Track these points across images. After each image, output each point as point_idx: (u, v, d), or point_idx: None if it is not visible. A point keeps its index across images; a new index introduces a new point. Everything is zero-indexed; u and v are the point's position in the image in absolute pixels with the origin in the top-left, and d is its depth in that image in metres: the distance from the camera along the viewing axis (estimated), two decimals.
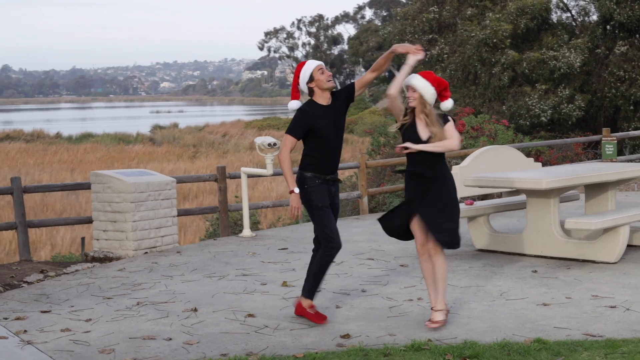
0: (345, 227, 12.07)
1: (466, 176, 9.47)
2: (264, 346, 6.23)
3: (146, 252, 10.44)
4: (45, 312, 7.50)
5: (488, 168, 10.59)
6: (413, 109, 6.69)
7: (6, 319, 7.28)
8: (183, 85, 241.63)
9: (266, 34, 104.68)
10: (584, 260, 8.93)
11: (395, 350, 5.85)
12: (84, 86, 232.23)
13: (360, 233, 11.46)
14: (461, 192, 10.64)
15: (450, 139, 6.64)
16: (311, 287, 6.87)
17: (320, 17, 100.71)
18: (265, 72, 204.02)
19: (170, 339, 6.49)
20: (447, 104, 6.83)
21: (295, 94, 6.77)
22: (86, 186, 11.07)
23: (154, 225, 10.63)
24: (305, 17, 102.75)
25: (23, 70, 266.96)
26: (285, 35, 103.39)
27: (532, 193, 9.14)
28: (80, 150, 46.41)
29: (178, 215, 11.40)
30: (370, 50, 79.68)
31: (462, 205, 9.63)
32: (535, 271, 8.55)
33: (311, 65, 6.71)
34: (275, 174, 11.73)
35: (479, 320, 6.74)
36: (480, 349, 5.81)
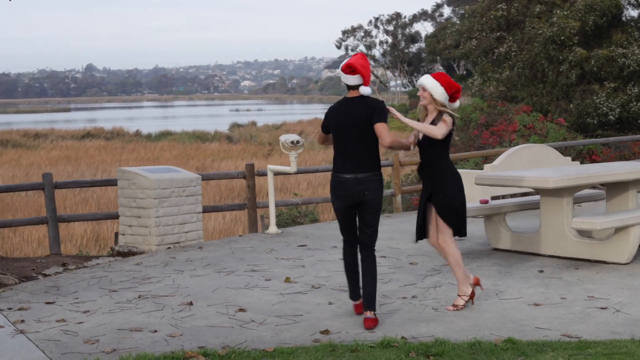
0: None
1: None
2: (242, 340, 6.32)
3: (169, 247, 10.64)
4: (49, 303, 7.74)
5: (520, 167, 10.52)
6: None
7: (10, 309, 7.54)
8: (263, 83, 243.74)
9: (344, 32, 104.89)
10: (595, 261, 8.79)
11: (363, 347, 5.88)
12: (165, 85, 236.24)
13: (383, 231, 11.43)
14: (490, 191, 10.61)
15: (435, 127, 6.78)
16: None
17: (397, 15, 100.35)
18: None
19: (156, 331, 6.63)
20: (454, 105, 7.03)
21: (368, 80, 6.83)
22: (114, 182, 11.32)
23: (177, 221, 10.82)
24: (383, 15, 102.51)
25: (107, 70, 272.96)
26: (362, 34, 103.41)
27: (545, 192, 9.03)
28: (158, 148, 47.16)
29: (205, 212, 11.56)
30: (447, 49, 79.11)
31: (476, 204, 9.57)
32: (542, 271, 8.45)
33: None
34: (298, 172, 11.80)
35: (463, 319, 6.71)
36: (448, 347, 5.80)
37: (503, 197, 12.50)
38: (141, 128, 68.93)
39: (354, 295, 6.96)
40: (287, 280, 8.43)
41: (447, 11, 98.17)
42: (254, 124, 73.89)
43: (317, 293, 7.81)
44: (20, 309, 7.51)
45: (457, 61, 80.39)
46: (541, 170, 9.22)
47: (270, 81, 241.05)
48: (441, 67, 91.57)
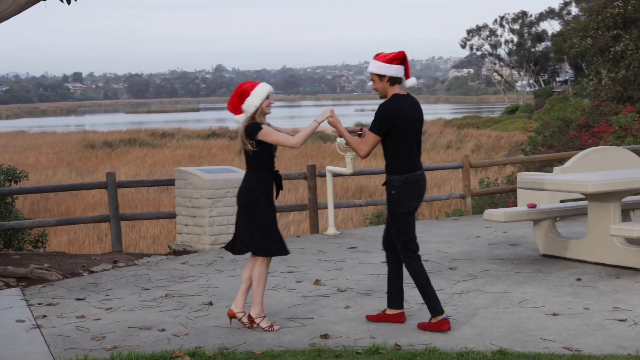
0: (433, 228, 11.92)
1: None
2: (241, 341, 6.33)
3: (222, 247, 10.74)
4: (79, 299, 7.95)
5: (593, 169, 10.17)
6: None
7: (40, 304, 7.79)
8: None
9: (468, 31, 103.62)
10: None
11: (348, 352, 5.79)
12: (292, 85, 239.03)
13: (440, 234, 11.26)
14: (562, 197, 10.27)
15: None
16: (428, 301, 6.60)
17: (524, 14, 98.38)
18: (472, 70, 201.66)
19: (163, 330, 6.72)
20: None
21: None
22: (174, 182, 11.52)
23: (232, 221, 10.88)
24: (509, 14, 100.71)
25: (236, 70, 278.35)
26: (487, 33, 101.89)
27: (592, 197, 8.68)
28: (279, 148, 47.62)
29: None
30: (574, 47, 76.86)
31: (524, 209, 9.30)
32: (579, 279, 8.12)
33: None
34: (355, 174, 11.73)
35: (471, 328, 6.51)
36: (435, 356, 5.65)
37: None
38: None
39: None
40: (317, 282, 8.39)
41: (574, 9, 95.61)
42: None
43: (340, 296, 7.74)
44: (49, 304, 7.74)
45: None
46: (586, 174, 8.86)
47: None
48: (568, 68, 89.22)
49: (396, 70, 6.44)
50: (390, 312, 6.81)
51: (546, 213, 9.26)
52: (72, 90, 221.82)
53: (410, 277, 6.63)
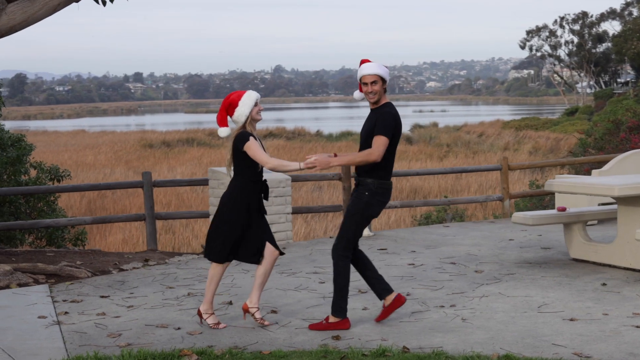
0: (468, 230, 11.83)
1: None
2: (254, 341, 6.36)
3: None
4: (103, 297, 8.07)
5: (632, 172, 10.01)
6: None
7: (65, 300, 7.92)
8: (449, 84, 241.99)
9: (528, 32, 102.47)
10: None
11: (355, 354, 5.78)
12: (351, 86, 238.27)
13: (473, 237, 11.17)
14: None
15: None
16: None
17: (584, 15, 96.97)
18: (532, 72, 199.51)
19: (179, 329, 6.79)
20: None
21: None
22: (207, 182, 11.61)
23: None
24: (569, 14, 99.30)
25: (295, 71, 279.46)
26: (547, 34, 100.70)
27: (622, 201, 8.53)
28: (335, 147, 47.67)
29: (300, 213, 11.64)
30: (631, 49, 75.64)
31: (553, 212, 9.18)
32: (604, 284, 7.98)
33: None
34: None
35: (484, 332, 6.45)
36: (442, 359, 5.60)
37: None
38: (324, 128, 70.04)
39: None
40: None
41: (636, 10, 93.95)
42: (435, 125, 73.44)
43: (359, 298, 7.73)
44: (73, 301, 7.87)
45: None
46: (615, 177, 8.71)
47: (456, 82, 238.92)
48: (630, 69, 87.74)
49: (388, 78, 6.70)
50: (388, 300, 6.79)
51: (576, 216, 9.12)
52: (132, 90, 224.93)
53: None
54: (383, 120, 6.47)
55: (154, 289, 8.37)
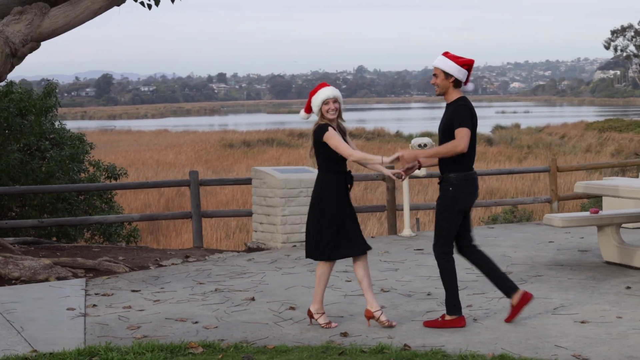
0: (512, 232, 11.78)
1: None
2: (264, 336, 6.52)
3: (294, 245, 11.00)
4: (134, 291, 8.35)
5: None
6: None
7: (97, 294, 8.23)
8: (533, 85, 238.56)
9: (612, 32, 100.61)
10: None
11: (353, 351, 5.89)
12: (434, 86, 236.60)
13: (515, 238, 11.14)
14: None
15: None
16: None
17: None
18: (618, 72, 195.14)
19: (197, 322, 7.00)
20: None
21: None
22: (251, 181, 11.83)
23: (304, 221, 11.10)
24: None
25: (377, 71, 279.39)
26: (632, 34, 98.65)
27: None
28: (407, 147, 47.53)
29: None
30: None
31: (584, 214, 9.12)
32: (629, 287, 7.91)
33: None
34: (427, 176, 11.73)
35: (490, 332, 6.49)
36: (438, 357, 5.68)
37: None
38: (405, 129, 69.88)
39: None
40: None
41: None
42: (517, 126, 72.55)
43: (380, 296, 7.82)
44: (104, 295, 8.17)
45: None
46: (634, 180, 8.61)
47: (540, 82, 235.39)
48: None
49: (463, 74, 6.64)
50: (515, 299, 6.72)
51: (609, 219, 9.04)
52: (216, 91, 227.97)
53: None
54: (459, 114, 6.55)
55: (185, 285, 8.61)
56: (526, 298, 6.72)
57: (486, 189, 27.64)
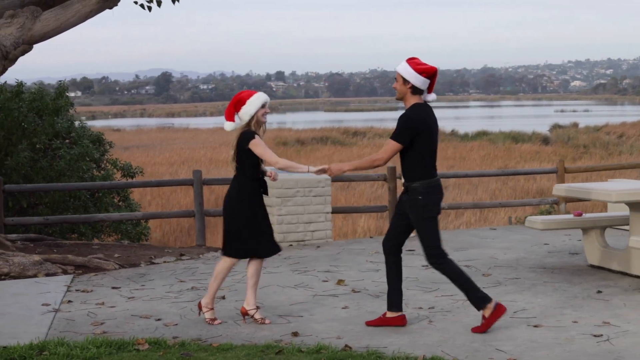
0: (512, 234, 11.73)
1: None
2: (218, 334, 6.65)
3: (291, 245, 11.12)
4: (115, 288, 8.55)
5: None
6: None
7: (77, 290, 8.45)
8: (594, 83, 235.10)
9: None
10: None
11: (291, 350, 5.98)
12: (492, 84, 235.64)
13: (512, 240, 11.09)
14: None
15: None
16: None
17: None
18: None
19: (159, 320, 7.15)
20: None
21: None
22: None
23: (303, 220, 11.26)
24: None
25: None
26: None
27: (633, 207, 8.35)
28: (467, 147, 47.13)
29: (341, 213, 11.84)
30: None
31: (566, 217, 9.07)
32: (600, 292, 7.86)
33: None
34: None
35: (442, 334, 6.53)
36: (372, 359, 5.74)
37: None
38: (462, 128, 69.32)
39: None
40: (340, 282, 8.57)
41: None
42: (575, 125, 71.58)
43: (348, 297, 7.90)
44: (83, 291, 8.38)
45: None
46: (619, 182, 8.53)
47: (602, 81, 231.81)
48: None
49: (421, 82, 6.58)
50: (389, 315, 6.91)
51: (592, 222, 8.97)
52: (274, 89, 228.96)
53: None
54: (398, 124, 6.61)
55: (165, 282, 8.78)
56: (400, 321, 6.75)
57: (536, 189, 27.37)
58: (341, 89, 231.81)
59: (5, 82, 13.56)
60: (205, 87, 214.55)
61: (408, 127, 6.56)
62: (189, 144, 53.04)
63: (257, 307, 7.08)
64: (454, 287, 8.06)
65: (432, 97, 6.74)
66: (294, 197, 11.21)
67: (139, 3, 10.96)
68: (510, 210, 18.28)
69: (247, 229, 6.92)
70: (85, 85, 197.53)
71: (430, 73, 6.62)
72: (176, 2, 11.08)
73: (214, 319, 7.01)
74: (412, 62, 6.69)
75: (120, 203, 14.86)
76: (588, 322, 6.77)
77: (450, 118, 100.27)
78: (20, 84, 13.71)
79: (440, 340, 6.36)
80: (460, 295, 7.81)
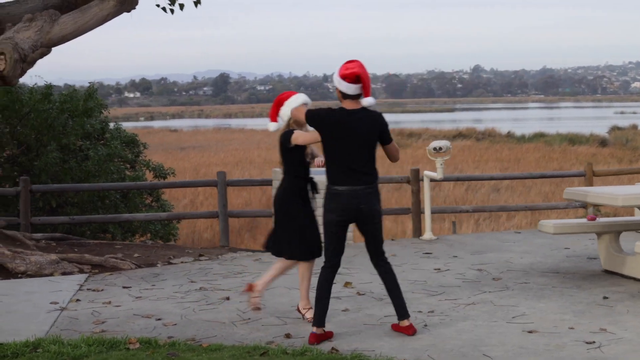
0: (535, 238, 11.61)
1: None
2: (212, 335, 6.72)
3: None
4: (125, 287, 8.68)
5: None
6: None
7: (89, 289, 8.61)
8: None
9: None
10: None
11: (276, 352, 6.01)
12: (551, 86, 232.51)
13: (533, 244, 10.97)
14: None
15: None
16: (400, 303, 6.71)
17: None
18: None
19: (159, 320, 7.25)
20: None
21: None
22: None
23: (321, 222, 11.24)
24: None
25: (494, 70, 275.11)
26: None
27: None
28: (522, 149, 46.56)
29: None
30: None
31: (578, 221, 8.96)
32: (606, 297, 7.74)
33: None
34: (445, 179, 11.68)
35: (432, 338, 6.49)
36: None
37: None
38: (520, 129, 68.58)
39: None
40: (347, 284, 8.58)
41: None
42: (634, 127, 70.40)
43: (351, 300, 7.91)
44: (94, 290, 8.53)
45: None
46: (626, 187, 8.39)
47: None
48: None
49: (345, 87, 6.39)
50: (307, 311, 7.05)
51: (606, 226, 8.83)
52: (331, 90, 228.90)
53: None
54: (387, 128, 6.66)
55: (176, 283, 8.88)
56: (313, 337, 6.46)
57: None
58: (398, 90, 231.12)
59: (35, 84, 13.86)
60: (262, 88, 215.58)
61: (315, 125, 6.51)
62: (244, 144, 53.34)
63: (309, 307, 7.07)
64: (459, 291, 8.07)
65: (366, 101, 6.45)
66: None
67: (161, 6, 11.10)
68: (562, 213, 18.04)
69: (297, 229, 6.90)
70: (144, 86, 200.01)
71: (351, 78, 6.37)
72: (198, 4, 11.19)
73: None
74: (343, 66, 6.50)
75: (153, 203, 15.05)
76: (585, 328, 6.68)
77: (508, 119, 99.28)
78: (49, 86, 13.99)
79: (430, 344, 6.33)
80: (463, 300, 7.78)
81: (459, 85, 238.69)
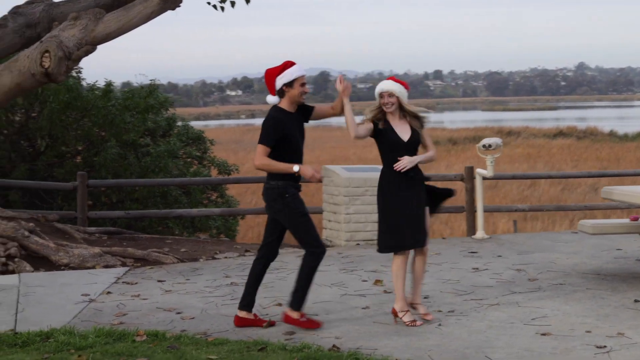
0: (589, 239, 11.28)
1: None
2: (224, 329, 6.77)
3: (358, 244, 11.11)
4: (160, 281, 8.82)
5: None
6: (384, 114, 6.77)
7: (125, 282, 8.77)
8: None
9: None
10: None
11: (274, 347, 6.01)
12: None
13: (585, 245, 10.61)
14: None
15: (433, 150, 6.98)
16: (301, 298, 6.86)
17: None
18: None
19: (180, 313, 7.34)
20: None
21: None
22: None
23: (370, 219, 11.20)
24: None
25: (599, 68, 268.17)
26: None
27: None
28: (624, 149, 45.30)
29: None
30: None
31: (619, 221, 8.67)
32: (637, 301, 7.46)
33: (297, 71, 6.83)
34: (495, 177, 11.46)
35: (440, 338, 6.37)
36: (342, 358, 5.71)
37: None
38: (623, 128, 66.93)
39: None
40: (377, 282, 8.51)
41: None
42: None
43: (375, 298, 7.83)
44: (129, 283, 8.68)
45: None
46: None
47: None
48: None
49: (272, 86, 6.80)
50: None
51: None
52: (432, 88, 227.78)
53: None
54: (261, 127, 6.71)
55: (210, 277, 8.96)
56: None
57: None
58: (500, 87, 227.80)
59: (97, 81, 14.22)
60: (362, 86, 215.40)
61: (271, 130, 6.66)
62: (341, 142, 53.38)
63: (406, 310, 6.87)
64: (489, 292, 7.92)
65: (268, 99, 6.85)
66: (362, 195, 11.18)
67: (212, 4, 11.22)
68: (622, 213, 17.51)
69: (390, 220, 6.89)
70: (246, 84, 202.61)
71: (266, 75, 6.81)
72: (249, 2, 11.27)
73: (413, 321, 6.74)
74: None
75: (218, 199, 15.25)
76: (602, 332, 6.45)
77: (613, 118, 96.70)
78: (109, 84, 14.32)
79: (436, 344, 6.22)
80: (489, 300, 7.62)
81: (563, 83, 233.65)
